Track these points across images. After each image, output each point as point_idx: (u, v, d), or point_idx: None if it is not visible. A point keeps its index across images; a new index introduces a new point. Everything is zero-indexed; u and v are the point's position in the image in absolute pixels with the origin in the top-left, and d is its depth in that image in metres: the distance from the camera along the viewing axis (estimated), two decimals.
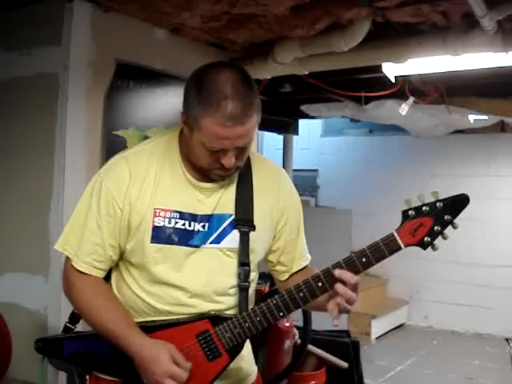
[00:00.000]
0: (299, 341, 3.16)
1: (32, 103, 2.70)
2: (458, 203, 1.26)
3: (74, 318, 1.70)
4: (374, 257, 1.28)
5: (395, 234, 1.28)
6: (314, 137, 7.01)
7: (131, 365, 1.32)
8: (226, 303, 1.42)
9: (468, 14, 2.53)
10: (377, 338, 5.44)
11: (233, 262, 1.42)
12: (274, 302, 1.33)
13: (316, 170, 6.92)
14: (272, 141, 6.90)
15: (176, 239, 1.37)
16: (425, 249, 1.26)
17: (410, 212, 1.26)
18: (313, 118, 5.30)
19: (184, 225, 1.37)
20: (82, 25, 2.59)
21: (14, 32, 2.75)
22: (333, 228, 4.93)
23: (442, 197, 1.25)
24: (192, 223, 1.38)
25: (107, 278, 1.45)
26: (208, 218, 1.39)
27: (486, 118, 4.74)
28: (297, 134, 5.83)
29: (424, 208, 1.25)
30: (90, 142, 2.68)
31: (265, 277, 2.93)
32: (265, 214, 1.45)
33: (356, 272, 1.28)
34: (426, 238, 1.26)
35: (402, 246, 1.27)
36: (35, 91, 2.69)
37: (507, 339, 4.45)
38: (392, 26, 2.79)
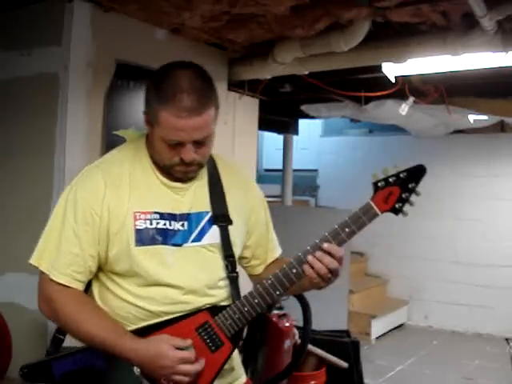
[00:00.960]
0: (299, 341, 3.16)
1: (32, 103, 2.70)
2: (418, 172, 1.38)
3: (57, 341, 1.55)
4: (356, 225, 1.35)
5: (371, 203, 1.36)
6: (313, 137, 7.01)
7: (131, 369, 1.31)
8: (219, 296, 1.45)
9: (468, 14, 2.53)
10: (377, 338, 5.44)
11: (216, 256, 1.45)
12: (270, 281, 1.37)
13: (316, 170, 6.92)
14: (272, 141, 6.91)
15: (160, 239, 1.38)
16: (397, 214, 1.37)
17: (379, 183, 1.37)
18: (313, 117, 5.29)
19: (165, 224, 1.39)
20: (82, 25, 2.59)
21: (14, 32, 2.75)
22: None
23: (402, 168, 1.39)
24: (172, 222, 1.40)
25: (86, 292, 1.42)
26: (186, 217, 1.42)
27: (485, 118, 4.74)
28: (297, 133, 5.83)
29: (390, 179, 1.36)
30: (90, 142, 2.68)
31: None
32: (237, 210, 1.50)
33: (342, 242, 1.36)
34: (397, 205, 1.36)
35: (379, 212, 1.36)
36: (35, 91, 2.69)
37: (507, 339, 4.44)
38: (392, 26, 2.79)
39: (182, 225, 1.41)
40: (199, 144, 1.36)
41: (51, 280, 1.35)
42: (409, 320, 6.10)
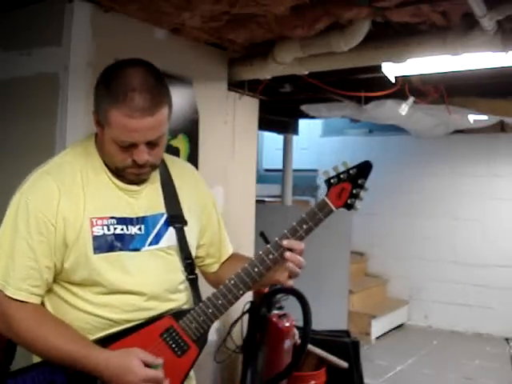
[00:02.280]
0: (299, 341, 3.17)
1: (32, 103, 2.70)
2: (366, 168, 1.43)
3: (8, 356, 1.45)
4: (313, 222, 1.39)
5: (326, 199, 1.40)
6: (313, 137, 7.00)
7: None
8: (180, 300, 1.44)
9: (468, 14, 2.53)
10: (377, 338, 5.44)
11: (175, 258, 1.43)
12: (232, 282, 1.38)
13: (316, 170, 6.92)
14: (272, 141, 6.90)
15: (118, 245, 1.34)
16: (349, 209, 1.41)
17: (332, 180, 1.41)
18: (313, 117, 5.29)
19: (123, 229, 1.35)
20: (82, 25, 2.59)
21: (14, 32, 2.75)
22: (333, 228, 4.91)
23: (351, 165, 1.44)
24: (129, 227, 1.36)
25: None
26: (143, 220, 1.38)
27: (485, 117, 4.74)
28: (297, 134, 5.83)
29: (342, 175, 1.41)
30: None
31: None
32: (190, 209, 1.49)
33: (300, 238, 1.39)
34: (349, 200, 1.41)
35: (334, 208, 1.40)
36: (35, 91, 2.68)
37: (507, 339, 4.45)
38: (392, 26, 2.79)
39: (139, 228, 1.37)
40: (152, 145, 1.31)
41: (6, 296, 1.27)
42: (409, 320, 6.10)
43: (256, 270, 1.38)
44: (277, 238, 1.39)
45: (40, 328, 1.27)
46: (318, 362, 3.40)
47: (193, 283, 1.46)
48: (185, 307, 1.43)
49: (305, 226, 1.38)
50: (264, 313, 3.18)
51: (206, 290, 1.50)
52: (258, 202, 3.96)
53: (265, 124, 4.47)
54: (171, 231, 1.43)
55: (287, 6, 2.55)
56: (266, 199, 6.02)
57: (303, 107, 4.84)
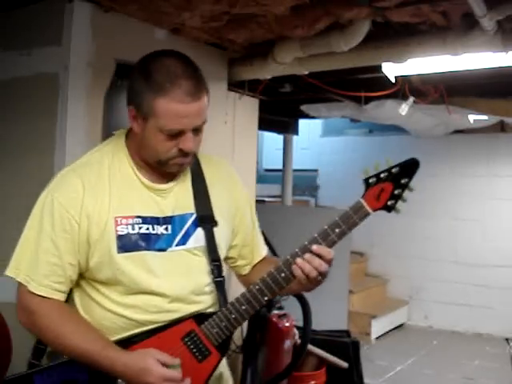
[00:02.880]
0: (299, 341, 3.16)
1: (32, 103, 2.70)
2: (411, 166, 1.31)
3: (39, 352, 1.49)
4: (346, 225, 1.29)
5: (362, 201, 1.30)
6: (314, 137, 7.00)
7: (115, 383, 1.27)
8: (206, 302, 1.40)
9: (468, 14, 2.53)
10: (377, 338, 5.44)
11: (203, 260, 1.40)
12: (257, 287, 1.32)
13: (316, 170, 6.92)
14: (272, 141, 6.90)
15: (143, 244, 1.32)
16: (389, 211, 1.31)
17: (370, 180, 1.30)
18: (313, 117, 5.29)
19: (148, 229, 1.33)
20: (82, 25, 2.59)
21: (14, 32, 2.75)
22: None
23: (394, 164, 1.31)
24: (155, 226, 1.34)
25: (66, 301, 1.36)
26: (170, 220, 1.36)
27: (485, 117, 4.74)
28: (297, 133, 5.83)
29: (382, 175, 1.30)
30: (90, 142, 2.68)
31: None
32: (222, 209, 1.44)
33: (332, 243, 1.30)
34: (389, 202, 1.30)
35: (370, 211, 1.30)
36: (35, 91, 2.68)
37: (507, 339, 4.44)
38: (392, 26, 2.79)
39: (166, 228, 1.35)
40: (197, 131, 1.31)
41: (30, 291, 1.30)
42: (409, 320, 6.10)
43: (282, 275, 1.30)
44: (306, 242, 1.30)
45: (61, 326, 1.28)
46: (318, 362, 3.40)
47: (219, 286, 1.41)
48: (210, 310, 1.39)
49: (337, 230, 1.29)
50: (264, 313, 3.18)
51: (234, 292, 1.45)
52: (257, 201, 3.96)
53: (265, 124, 4.47)
54: (200, 232, 1.39)
55: (287, 6, 2.55)
56: (266, 199, 6.02)
57: (303, 107, 4.84)
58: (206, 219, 1.40)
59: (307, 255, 1.28)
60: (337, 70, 3.28)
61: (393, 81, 3.68)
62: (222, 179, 1.50)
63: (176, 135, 1.28)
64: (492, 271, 5.68)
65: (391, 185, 1.30)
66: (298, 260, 1.28)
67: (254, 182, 3.83)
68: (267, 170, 7.33)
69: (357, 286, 5.58)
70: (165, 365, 1.25)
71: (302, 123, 5.92)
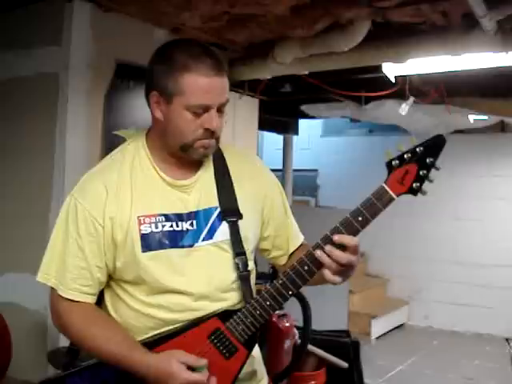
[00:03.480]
0: (299, 341, 3.16)
1: (32, 103, 2.70)
2: (437, 144, 1.26)
3: (73, 353, 1.57)
4: (369, 213, 1.23)
5: (385, 187, 1.24)
6: (314, 137, 7.00)
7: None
8: (232, 299, 1.38)
9: (468, 14, 2.53)
10: (377, 338, 5.43)
11: (229, 255, 1.38)
12: (281, 281, 1.28)
13: (316, 170, 6.92)
14: (272, 141, 6.90)
15: (167, 242, 1.31)
16: (415, 194, 1.24)
17: (393, 162, 1.24)
18: (313, 117, 5.29)
19: (172, 226, 1.32)
20: (82, 25, 2.59)
21: (14, 32, 2.75)
22: None
23: (418, 142, 1.24)
24: (179, 223, 1.33)
25: (99, 301, 1.37)
26: (194, 215, 1.35)
27: (486, 117, 4.74)
28: (297, 134, 5.83)
29: (406, 155, 1.24)
30: (90, 142, 2.68)
31: (265, 277, 2.92)
32: (248, 201, 1.41)
33: (355, 232, 1.24)
34: (414, 184, 1.24)
35: (394, 196, 1.24)
36: (35, 91, 2.69)
37: (507, 339, 4.45)
38: (392, 26, 2.79)
39: (191, 224, 1.34)
40: (220, 112, 1.31)
41: (59, 295, 1.31)
42: (409, 320, 6.10)
43: (306, 268, 1.26)
44: (328, 232, 1.24)
45: (89, 328, 1.30)
46: (318, 362, 3.39)
47: (244, 280, 1.38)
48: (238, 306, 1.36)
49: (360, 218, 1.23)
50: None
51: None
52: None
53: (265, 124, 4.47)
54: (224, 225, 1.37)
55: (287, 6, 2.55)
56: None
57: (303, 107, 4.85)
58: (230, 212, 1.38)
59: (328, 247, 1.23)
60: (337, 69, 3.28)
61: (393, 81, 3.68)
62: (246, 170, 1.46)
63: (201, 113, 1.29)
64: (492, 271, 5.68)
65: (416, 166, 1.24)
66: (318, 252, 1.24)
67: None
68: None
69: (357, 286, 5.58)
70: (190, 367, 1.24)
71: (302, 123, 5.93)
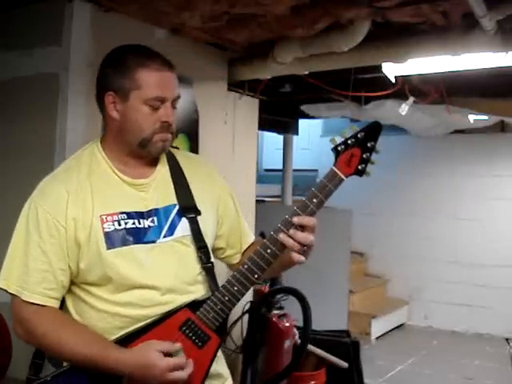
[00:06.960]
0: (299, 341, 3.16)
1: (32, 103, 2.70)
2: (375, 129, 1.41)
3: (36, 367, 1.47)
4: (323, 194, 1.35)
5: (335, 169, 1.36)
6: (314, 137, 7.00)
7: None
8: (199, 291, 1.42)
9: (468, 14, 2.53)
10: (377, 338, 5.44)
11: (191, 249, 1.42)
12: (246, 266, 1.34)
13: (316, 170, 6.91)
14: (272, 141, 6.90)
15: (131, 239, 1.34)
16: (361, 175, 1.36)
17: (339, 147, 1.37)
18: (313, 117, 5.29)
19: (134, 223, 1.36)
20: (82, 25, 2.59)
21: (14, 32, 2.75)
22: (333, 228, 4.92)
23: (359, 129, 1.38)
24: (141, 221, 1.37)
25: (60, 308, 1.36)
26: (155, 213, 1.39)
27: (486, 117, 4.74)
28: (297, 133, 5.83)
29: (349, 141, 1.36)
30: None
31: None
32: (204, 200, 1.48)
33: (312, 213, 1.34)
34: (360, 166, 1.36)
35: (344, 177, 1.36)
36: (35, 91, 2.68)
37: (507, 339, 4.45)
38: (392, 25, 2.79)
39: (152, 221, 1.38)
40: (174, 107, 1.39)
41: (24, 301, 1.29)
42: (409, 320, 6.10)
43: (269, 251, 1.32)
44: (287, 216, 1.32)
45: (58, 332, 1.28)
46: (317, 362, 3.40)
47: (209, 271, 1.44)
48: (205, 298, 1.40)
49: (315, 200, 1.33)
50: (264, 313, 3.18)
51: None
52: (258, 201, 3.96)
53: (265, 124, 4.47)
54: (184, 221, 1.42)
55: (287, 6, 2.55)
56: (266, 199, 6.01)
57: (303, 107, 4.85)
58: (188, 209, 1.44)
59: (291, 230, 1.31)
60: (337, 69, 3.28)
61: (393, 81, 3.68)
62: (199, 171, 1.54)
63: (158, 107, 1.35)
64: (492, 271, 5.68)
65: (359, 149, 1.37)
66: (281, 235, 1.31)
67: (254, 182, 3.83)
68: (267, 170, 7.33)
69: (357, 286, 5.58)
70: (167, 354, 1.26)
71: (302, 123, 5.92)
